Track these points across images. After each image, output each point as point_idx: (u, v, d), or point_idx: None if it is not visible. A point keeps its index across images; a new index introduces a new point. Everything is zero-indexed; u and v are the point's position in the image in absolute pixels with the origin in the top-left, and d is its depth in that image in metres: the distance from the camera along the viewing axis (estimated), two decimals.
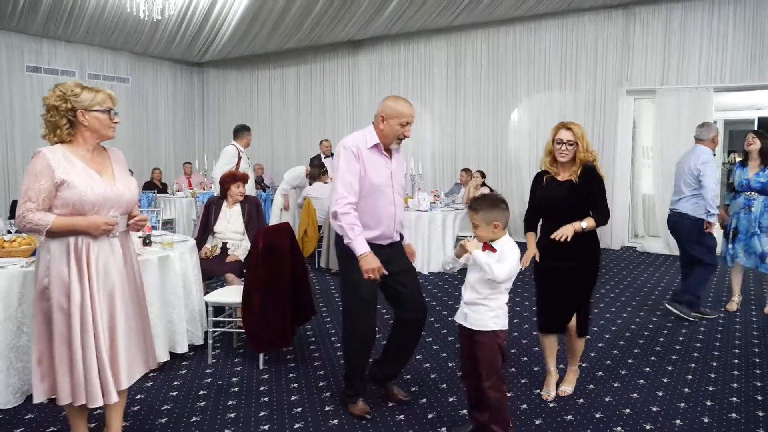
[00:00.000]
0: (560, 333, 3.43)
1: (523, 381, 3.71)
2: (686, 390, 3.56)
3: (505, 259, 2.65)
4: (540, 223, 3.44)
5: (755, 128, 8.61)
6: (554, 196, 3.28)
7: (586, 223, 3.15)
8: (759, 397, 3.45)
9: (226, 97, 13.17)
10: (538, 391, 3.54)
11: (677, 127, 8.26)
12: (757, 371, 3.87)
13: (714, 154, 5.07)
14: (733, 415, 3.23)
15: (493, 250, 2.68)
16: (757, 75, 7.84)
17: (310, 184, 7.61)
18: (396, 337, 3.25)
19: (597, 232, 3.31)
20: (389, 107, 3.01)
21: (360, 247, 2.92)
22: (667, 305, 5.10)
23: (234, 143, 6.37)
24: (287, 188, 7.88)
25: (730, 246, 5.18)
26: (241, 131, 6.43)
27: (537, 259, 3.29)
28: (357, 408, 3.19)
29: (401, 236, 3.27)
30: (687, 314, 4.97)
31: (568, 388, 3.50)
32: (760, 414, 3.23)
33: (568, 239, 3.07)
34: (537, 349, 4.26)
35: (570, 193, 3.23)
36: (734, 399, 3.43)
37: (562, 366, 3.62)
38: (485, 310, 2.70)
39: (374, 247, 3.00)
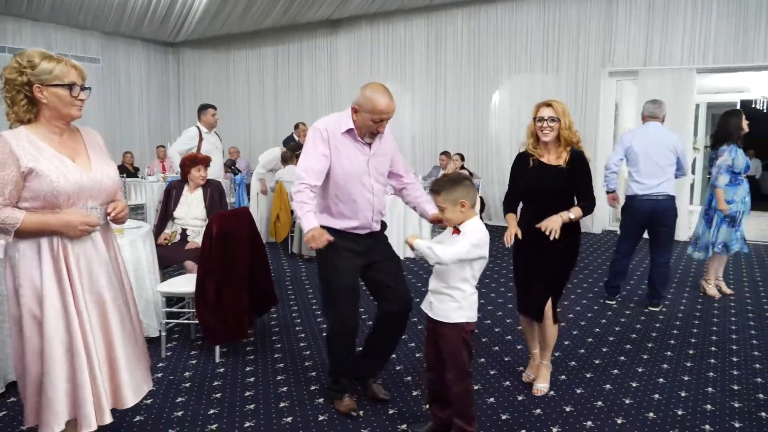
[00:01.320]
0: (537, 321, 3.22)
1: (492, 372, 3.54)
2: (661, 380, 3.42)
3: (460, 239, 2.46)
4: (520, 206, 3.25)
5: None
6: (542, 181, 3.09)
7: (574, 214, 2.98)
8: (735, 387, 3.32)
9: (202, 78, 12.83)
10: (507, 383, 3.38)
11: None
12: (734, 359, 3.74)
13: None
14: (708, 406, 3.09)
15: (458, 231, 2.49)
16: (741, 56, 7.69)
17: (284, 167, 7.37)
18: (378, 331, 3.03)
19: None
20: (365, 99, 2.69)
21: (307, 223, 2.62)
22: (652, 309, 4.81)
23: (197, 123, 6.08)
24: (263, 172, 7.64)
25: (737, 232, 5.00)
26: (202, 110, 6.08)
27: (519, 236, 3.04)
28: (343, 404, 3.00)
29: (384, 224, 3.05)
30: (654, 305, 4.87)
31: (542, 386, 3.27)
32: (736, 405, 3.10)
33: (556, 235, 2.88)
34: (510, 337, 4.11)
35: (559, 178, 3.05)
36: (710, 389, 3.29)
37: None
38: (449, 300, 2.51)
39: (352, 236, 2.83)
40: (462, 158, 8.41)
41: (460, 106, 9.76)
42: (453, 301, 2.51)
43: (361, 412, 2.99)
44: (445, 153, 8.55)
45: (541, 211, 3.02)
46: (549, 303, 3.19)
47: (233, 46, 12.19)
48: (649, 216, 4.71)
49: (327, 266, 2.85)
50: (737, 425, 2.89)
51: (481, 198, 8.41)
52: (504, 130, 9.39)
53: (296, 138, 8.37)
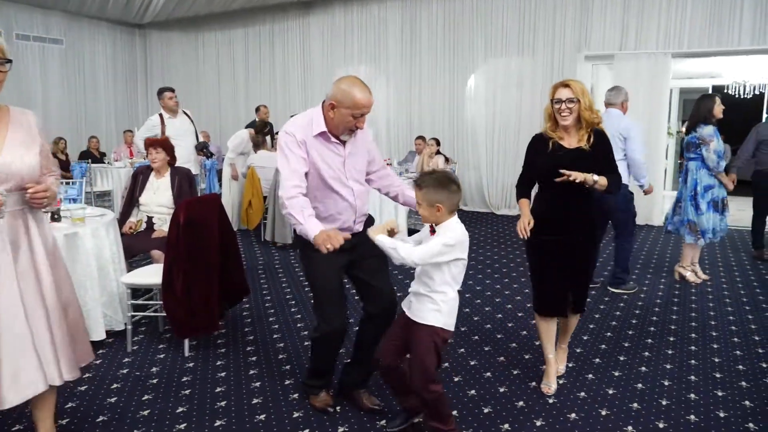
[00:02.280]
0: (561, 316, 3.05)
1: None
2: (643, 369, 3.36)
3: (433, 239, 2.33)
4: (536, 191, 3.02)
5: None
6: (561, 164, 2.80)
7: (599, 178, 2.78)
8: (717, 375, 3.28)
9: (170, 61, 12.44)
10: (488, 374, 3.29)
11: (635, 93, 7.99)
12: (714, 346, 3.71)
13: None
14: (692, 395, 3.04)
15: (433, 231, 2.37)
16: (715, 41, 7.68)
17: (255, 152, 7.16)
18: (363, 334, 2.86)
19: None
20: (342, 93, 2.48)
21: (311, 229, 2.42)
22: (613, 290, 4.85)
23: (161, 110, 5.84)
24: (233, 156, 7.41)
25: (720, 218, 4.97)
26: (159, 94, 5.83)
27: (532, 225, 2.84)
28: (319, 400, 2.86)
29: (371, 219, 2.86)
30: (630, 288, 4.85)
31: (560, 367, 3.26)
32: (720, 394, 3.05)
33: (577, 180, 2.71)
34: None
35: (580, 160, 2.82)
36: (692, 378, 3.25)
37: None
38: (427, 301, 2.39)
39: None
40: (437, 143, 8.28)
41: (435, 90, 9.61)
42: (432, 304, 2.39)
43: (338, 408, 2.86)
44: (421, 138, 8.41)
45: (560, 196, 2.86)
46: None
47: (202, 27, 11.82)
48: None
49: (310, 268, 2.71)
50: (722, 415, 2.84)
51: None
52: (480, 115, 9.28)
53: (257, 120, 8.13)
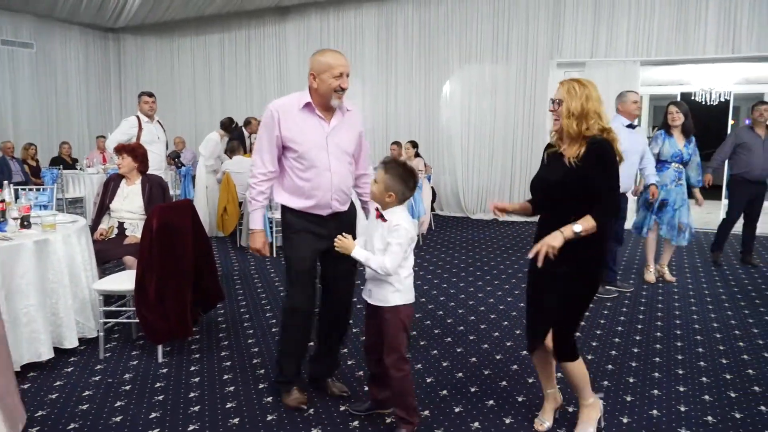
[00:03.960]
0: (539, 349, 2.66)
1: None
2: (609, 367, 3.46)
3: (390, 247, 2.45)
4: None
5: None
6: (548, 178, 2.50)
7: (581, 226, 2.31)
8: (680, 372, 3.39)
9: (144, 66, 12.35)
10: (446, 363, 3.40)
11: (606, 99, 8.08)
12: (678, 344, 3.83)
13: (631, 125, 4.83)
14: (655, 391, 3.14)
15: (384, 219, 2.48)
16: (682, 49, 7.92)
17: (230, 158, 7.15)
18: (320, 329, 3.02)
19: (606, 235, 2.59)
20: (317, 62, 2.71)
21: (253, 222, 2.88)
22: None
23: (138, 113, 5.81)
24: (212, 162, 7.37)
25: (653, 217, 5.15)
26: (139, 96, 5.85)
27: (502, 216, 2.75)
28: (291, 398, 2.91)
29: (353, 208, 2.99)
30: (606, 292, 4.90)
31: (587, 429, 2.63)
32: (681, 389, 3.16)
33: (551, 255, 2.30)
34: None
35: (566, 177, 2.39)
36: (656, 375, 3.35)
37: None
38: (386, 285, 2.53)
39: (315, 218, 2.78)
40: (415, 145, 8.34)
41: (411, 95, 9.71)
42: (391, 286, 2.53)
43: (311, 410, 2.89)
44: (396, 143, 8.48)
45: (545, 217, 2.53)
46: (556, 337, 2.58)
47: (177, 32, 11.77)
48: None
49: (288, 244, 2.86)
50: (683, 409, 2.94)
51: (432, 188, 8.39)
52: (455, 120, 9.39)
53: (246, 133, 8.12)
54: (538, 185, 2.56)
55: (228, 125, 7.35)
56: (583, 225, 2.32)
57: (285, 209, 2.84)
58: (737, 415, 2.88)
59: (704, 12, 7.70)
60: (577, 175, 2.37)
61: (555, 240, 2.30)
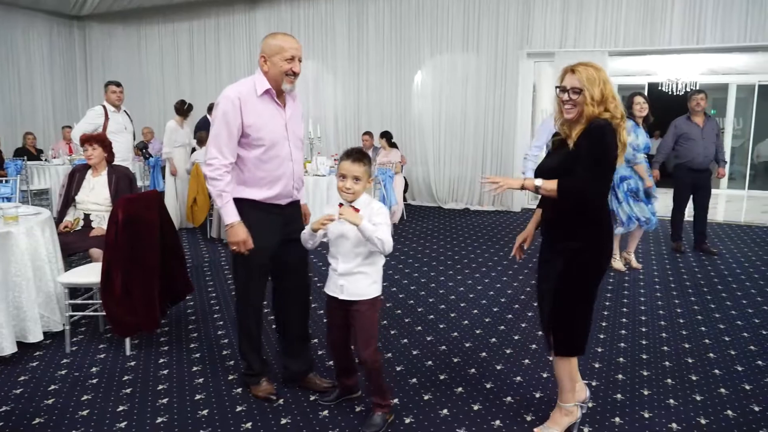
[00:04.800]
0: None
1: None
2: (550, 359, 3.52)
3: (380, 223, 2.44)
4: None
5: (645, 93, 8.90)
6: (549, 166, 2.44)
7: (542, 183, 2.28)
8: (644, 357, 3.48)
9: (111, 55, 12.10)
10: (416, 351, 3.39)
11: None
12: (643, 329, 3.92)
13: None
14: (620, 376, 3.21)
15: (357, 210, 2.46)
16: (648, 40, 8.04)
17: (199, 148, 7.06)
18: (282, 312, 2.98)
19: (608, 220, 2.44)
20: (267, 45, 2.66)
21: (228, 216, 2.65)
22: None
23: (104, 102, 5.69)
24: (168, 150, 7.24)
25: (646, 206, 5.24)
26: (105, 86, 5.72)
27: (525, 245, 2.65)
28: (260, 390, 2.90)
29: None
30: None
31: (550, 430, 2.59)
32: (645, 374, 3.24)
33: (497, 190, 2.28)
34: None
35: (565, 162, 2.33)
36: (621, 360, 3.43)
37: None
38: (362, 278, 2.52)
39: (274, 207, 2.74)
40: (388, 136, 8.31)
41: (382, 86, 9.69)
42: (367, 278, 2.53)
43: (281, 401, 2.90)
44: (368, 133, 8.47)
45: (546, 207, 2.46)
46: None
47: (145, 20, 11.53)
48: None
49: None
50: (646, 393, 3.02)
51: (404, 178, 8.42)
52: (426, 110, 9.41)
53: (211, 120, 8.03)
54: (538, 174, 2.46)
55: (180, 108, 7.24)
56: (546, 185, 2.27)
57: (240, 202, 2.70)
58: (698, 398, 2.97)
59: (670, 3, 7.83)
60: (572, 158, 2.29)
61: (513, 181, 2.33)
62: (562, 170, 2.31)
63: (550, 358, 2.99)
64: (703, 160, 5.92)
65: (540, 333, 3.83)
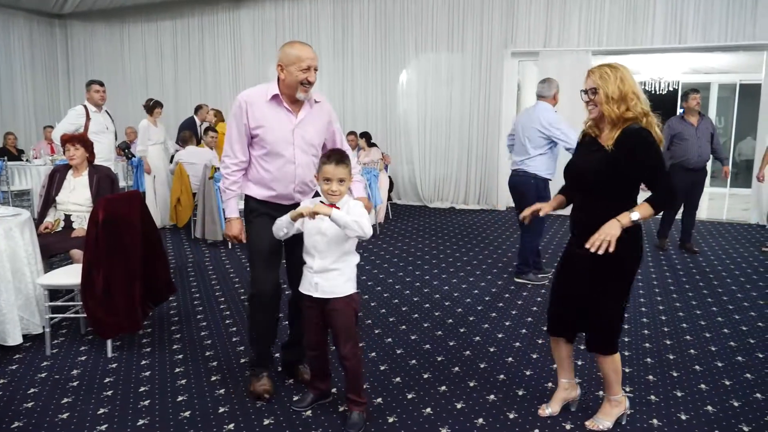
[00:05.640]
0: (565, 338, 2.66)
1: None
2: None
3: (361, 218, 2.46)
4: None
5: None
6: (582, 164, 2.50)
7: (639, 214, 2.30)
8: (626, 353, 3.50)
9: (93, 54, 11.96)
10: (400, 351, 3.39)
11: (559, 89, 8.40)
12: (625, 327, 3.94)
13: (555, 111, 4.94)
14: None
15: (338, 207, 2.48)
16: (631, 39, 8.12)
17: (183, 147, 7.01)
18: (291, 315, 3.05)
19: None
20: (285, 54, 2.73)
21: (228, 210, 2.92)
22: (516, 280, 5.06)
23: (85, 102, 5.63)
24: (142, 149, 7.17)
25: None
26: (87, 86, 5.66)
27: (541, 213, 2.65)
28: (257, 384, 2.90)
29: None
30: (536, 279, 5.00)
31: (604, 422, 2.64)
32: (627, 370, 3.26)
33: (611, 249, 2.28)
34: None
35: (600, 164, 2.38)
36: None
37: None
38: (338, 275, 2.54)
39: (275, 207, 2.80)
40: (359, 136, 8.29)
41: (367, 85, 9.69)
42: (342, 275, 2.55)
43: (264, 404, 2.88)
44: (353, 133, 8.46)
45: (580, 204, 2.53)
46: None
47: (127, 18, 11.42)
48: (512, 191, 5.07)
49: (250, 228, 2.90)
50: (628, 389, 3.04)
51: (390, 177, 8.41)
52: (411, 109, 9.42)
53: (197, 120, 8.01)
54: (570, 172, 2.56)
55: (149, 106, 7.20)
56: (641, 212, 2.31)
57: (248, 197, 2.89)
58: (678, 394, 3.00)
59: (652, 3, 7.91)
60: (611, 161, 2.35)
61: (613, 229, 2.29)
62: (597, 173, 2.39)
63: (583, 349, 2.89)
64: (698, 159, 5.88)
65: (524, 330, 3.86)
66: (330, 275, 2.53)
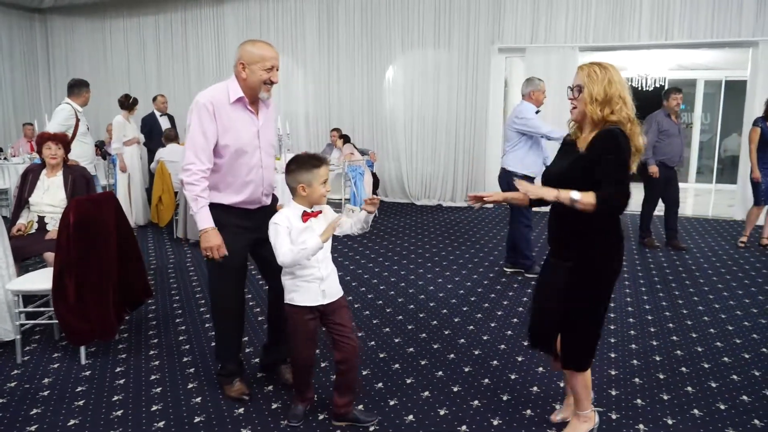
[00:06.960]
0: (544, 351, 2.59)
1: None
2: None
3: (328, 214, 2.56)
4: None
5: None
6: (554, 170, 2.42)
7: (580, 195, 2.16)
8: (612, 355, 3.46)
9: (74, 50, 11.75)
10: (383, 354, 3.31)
11: (546, 85, 8.32)
12: (611, 327, 3.91)
13: (538, 111, 4.94)
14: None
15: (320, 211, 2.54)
16: (618, 36, 8.08)
17: (165, 145, 6.88)
18: (271, 311, 3.00)
19: (618, 227, 2.33)
20: (248, 52, 2.61)
21: (202, 221, 2.63)
22: (506, 269, 5.22)
23: (69, 101, 5.48)
24: (117, 146, 7.03)
25: None
26: (77, 87, 5.49)
27: (486, 199, 2.45)
28: (233, 390, 2.88)
29: (275, 198, 2.96)
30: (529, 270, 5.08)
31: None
32: (612, 373, 3.22)
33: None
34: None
35: (574, 168, 2.28)
36: None
37: None
38: (335, 276, 2.61)
39: (242, 212, 2.71)
40: (338, 131, 8.20)
41: (353, 82, 9.58)
42: (336, 274, 2.61)
43: (241, 410, 2.80)
44: (336, 129, 8.37)
45: (553, 211, 2.39)
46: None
47: (109, 13, 11.22)
48: (500, 185, 5.13)
49: None
50: (613, 393, 2.99)
51: (374, 174, 8.31)
52: (398, 106, 9.34)
53: (155, 111, 7.97)
54: (544, 177, 2.45)
55: (125, 102, 7.09)
56: (582, 196, 2.16)
57: (213, 206, 2.68)
58: (665, 397, 2.96)
59: (639, 0, 7.87)
60: (583, 163, 2.24)
61: (548, 192, 2.22)
62: (569, 176, 2.27)
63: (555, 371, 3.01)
64: (679, 157, 6.00)
65: (510, 332, 3.80)
66: (331, 278, 2.55)
